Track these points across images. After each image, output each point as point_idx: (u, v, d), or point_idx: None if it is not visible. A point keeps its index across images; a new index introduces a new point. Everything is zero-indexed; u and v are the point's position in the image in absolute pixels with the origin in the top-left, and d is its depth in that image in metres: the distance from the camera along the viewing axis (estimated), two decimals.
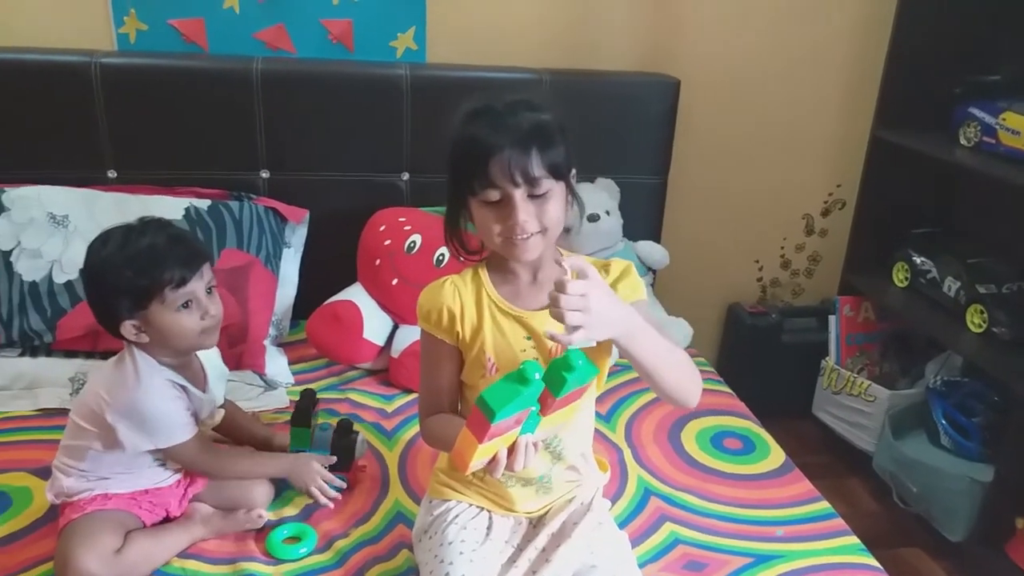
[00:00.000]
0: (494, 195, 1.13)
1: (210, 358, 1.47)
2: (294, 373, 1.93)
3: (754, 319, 2.57)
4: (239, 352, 1.86)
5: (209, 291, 1.35)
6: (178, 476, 1.43)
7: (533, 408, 1.01)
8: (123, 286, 1.27)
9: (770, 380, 2.54)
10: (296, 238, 2.10)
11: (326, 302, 1.96)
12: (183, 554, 1.35)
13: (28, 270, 1.80)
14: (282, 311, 2.03)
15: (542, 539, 1.30)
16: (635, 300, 1.23)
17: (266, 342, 1.93)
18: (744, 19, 2.34)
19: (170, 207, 1.93)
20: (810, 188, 2.61)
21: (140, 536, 1.33)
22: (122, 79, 1.97)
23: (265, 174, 2.10)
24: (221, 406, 1.50)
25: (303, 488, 1.47)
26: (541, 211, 1.15)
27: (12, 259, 1.81)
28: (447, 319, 1.24)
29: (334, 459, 1.50)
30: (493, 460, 1.05)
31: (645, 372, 1.13)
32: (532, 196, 1.14)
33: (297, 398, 1.62)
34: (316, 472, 1.47)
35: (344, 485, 1.51)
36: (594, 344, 1.09)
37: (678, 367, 1.17)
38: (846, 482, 2.39)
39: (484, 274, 1.27)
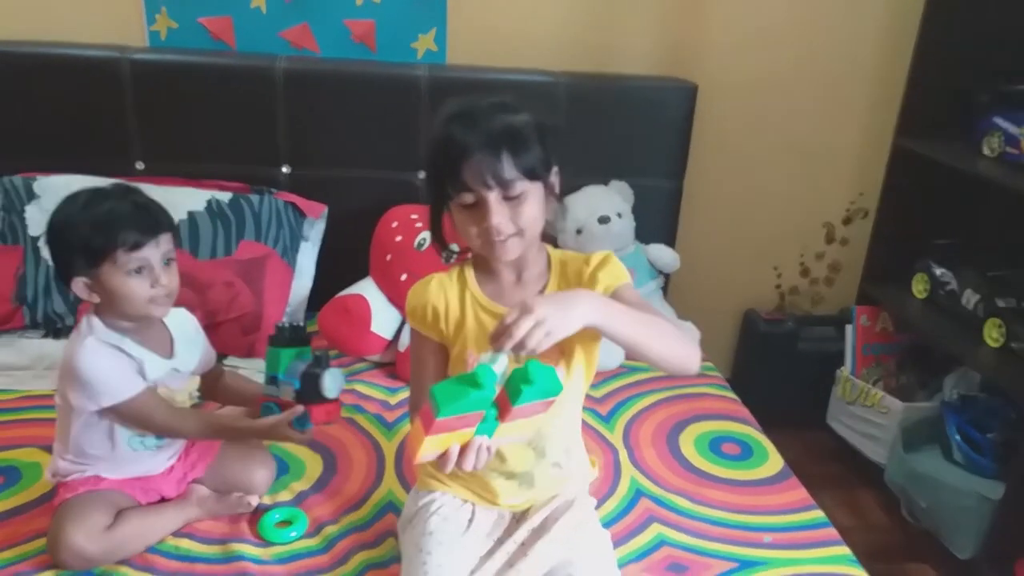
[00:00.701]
0: (468, 198, 1.16)
1: (182, 324, 1.47)
2: None
3: (769, 326, 2.56)
4: (252, 341, 1.92)
5: (167, 262, 1.35)
6: (170, 462, 1.47)
7: (488, 412, 1.02)
8: (78, 243, 1.30)
9: (785, 388, 2.53)
10: (314, 232, 2.16)
11: (337, 295, 2.01)
12: (176, 533, 1.40)
13: None
14: (297, 302, 2.09)
15: (522, 533, 1.32)
16: (619, 284, 1.24)
17: None
18: (765, 25, 2.33)
19: (193, 198, 2.00)
20: (831, 196, 2.58)
21: (132, 514, 1.37)
22: (152, 75, 2.05)
23: (286, 169, 2.16)
24: (211, 372, 1.54)
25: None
26: (516, 213, 1.16)
27: (40, 244, 1.90)
28: (431, 316, 1.27)
29: (300, 410, 1.40)
30: (444, 455, 1.06)
31: (629, 346, 1.12)
32: (507, 198, 1.15)
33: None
34: (277, 437, 1.44)
35: (305, 437, 1.43)
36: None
37: (663, 336, 1.15)
38: (856, 494, 2.36)
39: (469, 272, 1.29)
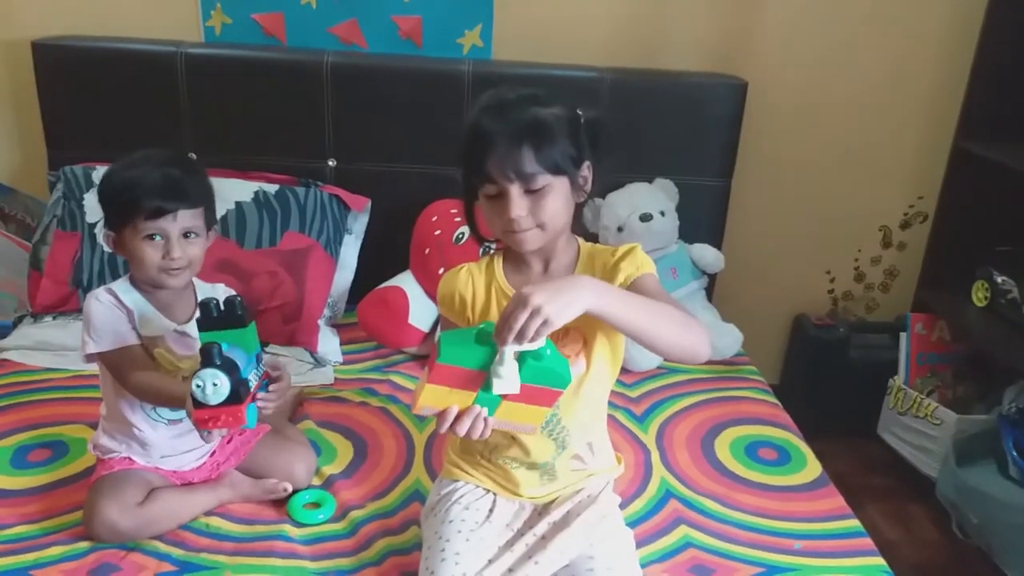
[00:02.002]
0: (491, 189, 1.17)
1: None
2: (344, 353, 2.01)
3: (819, 331, 2.48)
4: (292, 329, 1.96)
5: (187, 236, 1.38)
6: (201, 461, 1.49)
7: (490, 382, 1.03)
8: (108, 200, 1.40)
9: (835, 396, 2.46)
10: (358, 225, 2.19)
11: (377, 288, 2.03)
12: (208, 512, 1.44)
13: None
14: (338, 294, 2.12)
15: (543, 526, 1.31)
16: (641, 274, 1.23)
17: (320, 322, 2.02)
18: (820, 22, 2.27)
19: (241, 189, 2.05)
20: (889, 199, 2.49)
21: (165, 493, 1.42)
22: (205, 69, 2.11)
23: (332, 163, 2.20)
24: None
25: None
26: (537, 207, 1.16)
27: (96, 231, 1.98)
28: (459, 304, 1.29)
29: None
30: (443, 413, 1.08)
31: (629, 332, 1.10)
32: (529, 191, 1.15)
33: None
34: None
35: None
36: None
37: (666, 322, 1.11)
38: (907, 507, 2.28)
39: (498, 262, 1.30)
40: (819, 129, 2.39)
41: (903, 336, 2.35)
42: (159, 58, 2.09)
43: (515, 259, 1.29)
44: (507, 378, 1.03)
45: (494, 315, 1.27)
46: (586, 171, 1.23)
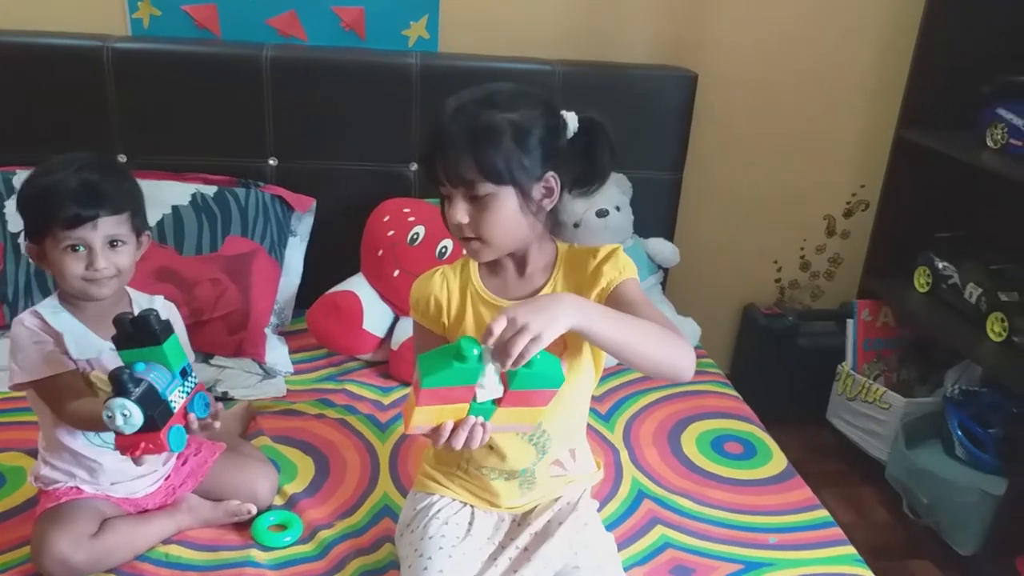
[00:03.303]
0: (442, 191, 1.15)
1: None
2: (294, 362, 1.92)
3: (769, 321, 2.52)
4: (239, 339, 1.87)
5: (112, 244, 1.28)
6: (156, 485, 1.40)
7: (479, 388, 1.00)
8: (24, 210, 1.30)
9: (785, 384, 2.49)
10: (302, 227, 2.10)
11: (327, 292, 1.95)
12: (166, 540, 1.35)
13: None
14: (285, 300, 2.03)
15: (525, 537, 1.28)
16: (624, 279, 1.19)
17: (267, 330, 1.93)
18: (767, 14, 2.28)
19: (177, 192, 1.94)
20: (833, 188, 2.54)
21: (119, 522, 1.32)
22: (134, 64, 1.98)
23: (273, 162, 2.10)
24: None
25: None
26: (480, 217, 1.12)
27: (20, 241, 1.83)
28: (434, 309, 1.25)
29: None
30: (437, 429, 1.04)
31: (614, 351, 1.06)
32: (472, 197, 1.12)
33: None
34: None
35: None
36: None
37: (652, 341, 1.08)
38: (858, 491, 2.33)
39: (473, 266, 1.26)
40: (764, 121, 2.41)
41: (850, 323, 2.40)
42: (83, 53, 1.95)
43: (491, 263, 1.24)
44: (489, 387, 1.01)
45: (469, 319, 1.23)
46: (550, 181, 1.16)
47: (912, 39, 2.20)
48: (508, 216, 1.13)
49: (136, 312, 1.33)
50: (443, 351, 0.99)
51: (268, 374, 1.86)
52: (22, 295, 1.82)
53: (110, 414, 1.07)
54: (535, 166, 1.13)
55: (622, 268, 1.21)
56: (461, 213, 1.12)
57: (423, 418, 1.02)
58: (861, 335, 2.40)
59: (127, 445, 1.11)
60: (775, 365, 2.52)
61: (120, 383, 1.07)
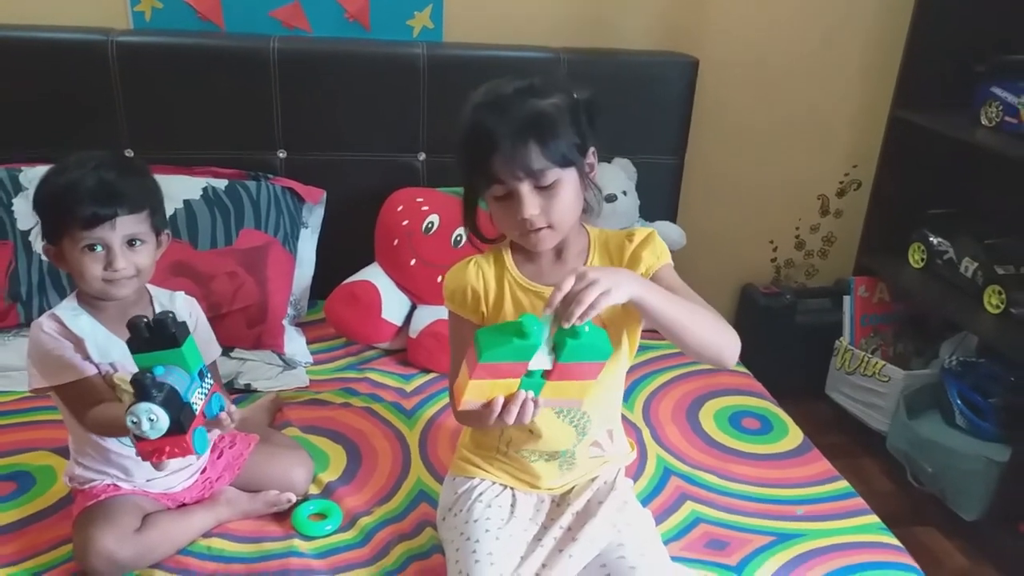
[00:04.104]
0: (499, 190, 1.14)
1: (175, 311, 1.32)
2: (312, 353, 1.93)
3: (768, 300, 2.57)
4: (258, 332, 1.87)
5: (131, 243, 1.27)
6: (192, 479, 1.40)
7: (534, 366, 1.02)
8: (41, 211, 1.28)
9: (784, 360, 2.54)
10: (313, 218, 2.10)
11: (344, 282, 1.96)
12: (207, 533, 1.36)
13: None
14: (300, 291, 2.03)
15: (567, 518, 1.30)
16: (661, 264, 1.23)
17: (285, 322, 1.93)
18: None
19: (188, 186, 1.93)
20: (826, 168, 2.59)
21: (161, 517, 1.32)
22: (138, 57, 1.96)
23: (282, 154, 2.09)
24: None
25: None
26: (549, 204, 1.14)
27: (31, 238, 1.82)
28: (471, 298, 1.26)
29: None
30: (489, 405, 1.05)
31: (667, 328, 1.10)
32: (539, 188, 1.13)
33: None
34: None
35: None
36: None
37: (703, 323, 1.13)
38: (860, 462, 2.40)
39: (507, 254, 1.27)
40: (761, 104, 2.45)
41: (847, 299, 2.46)
42: (87, 47, 1.92)
43: (525, 250, 1.26)
44: (540, 357, 1.02)
45: (508, 305, 1.25)
46: (591, 157, 1.21)
47: (907, 19, 2.25)
48: (573, 197, 1.16)
49: (157, 310, 1.34)
50: (503, 327, 1.00)
51: (288, 365, 1.86)
52: (36, 293, 1.80)
53: (135, 419, 1.05)
54: (583, 144, 1.16)
55: (659, 254, 1.24)
56: (534, 205, 1.12)
57: (475, 392, 1.03)
58: (858, 311, 2.46)
59: (151, 450, 1.09)
60: (774, 343, 2.56)
61: (143, 387, 1.05)
